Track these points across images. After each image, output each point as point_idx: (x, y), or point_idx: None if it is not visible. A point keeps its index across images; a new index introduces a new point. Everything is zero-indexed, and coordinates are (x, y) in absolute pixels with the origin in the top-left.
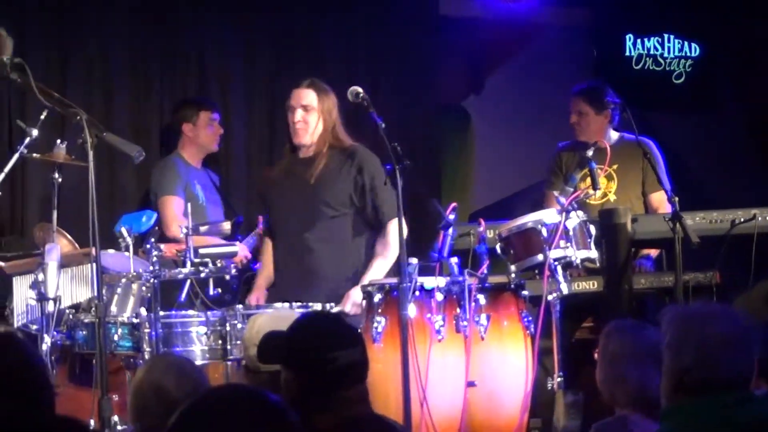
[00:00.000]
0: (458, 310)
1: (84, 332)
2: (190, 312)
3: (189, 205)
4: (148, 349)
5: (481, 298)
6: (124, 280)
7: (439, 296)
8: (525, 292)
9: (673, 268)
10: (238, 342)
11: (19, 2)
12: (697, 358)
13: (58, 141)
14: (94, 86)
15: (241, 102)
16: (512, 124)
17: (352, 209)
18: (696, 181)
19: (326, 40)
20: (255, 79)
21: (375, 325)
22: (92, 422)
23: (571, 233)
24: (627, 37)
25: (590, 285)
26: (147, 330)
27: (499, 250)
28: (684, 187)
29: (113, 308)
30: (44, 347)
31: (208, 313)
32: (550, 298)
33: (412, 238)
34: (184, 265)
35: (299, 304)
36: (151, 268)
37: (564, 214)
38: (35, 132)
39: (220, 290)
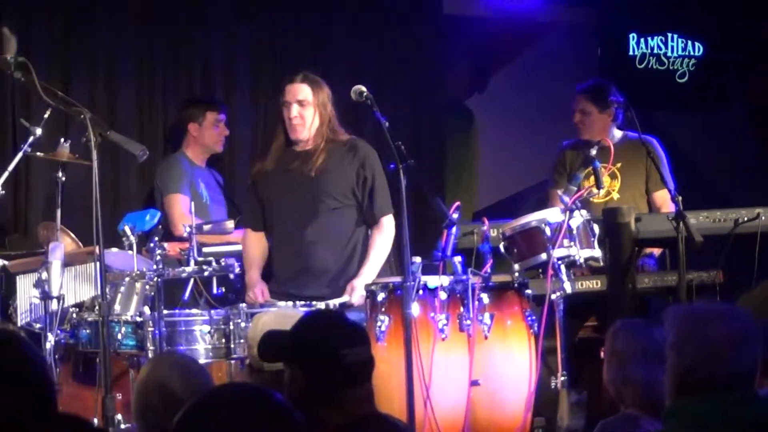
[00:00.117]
0: (462, 309)
1: (87, 331)
2: (194, 311)
3: (193, 204)
4: (151, 348)
5: (485, 297)
6: (127, 279)
7: (443, 295)
8: (528, 291)
9: (676, 267)
10: (242, 341)
11: (24, 1)
12: (700, 357)
13: (62, 140)
14: (98, 85)
15: (246, 101)
16: (516, 123)
17: (353, 201)
18: (699, 180)
19: (331, 40)
20: (260, 79)
21: (378, 324)
22: (96, 421)
23: (574, 232)
24: (631, 36)
25: (594, 284)
26: (150, 329)
27: (502, 249)
28: (687, 185)
29: (117, 307)
30: (48, 346)
31: (212, 311)
32: (553, 297)
33: (416, 236)
34: (187, 264)
35: (303, 303)
36: (155, 266)
37: (568, 213)
38: (39, 131)
39: (223, 289)
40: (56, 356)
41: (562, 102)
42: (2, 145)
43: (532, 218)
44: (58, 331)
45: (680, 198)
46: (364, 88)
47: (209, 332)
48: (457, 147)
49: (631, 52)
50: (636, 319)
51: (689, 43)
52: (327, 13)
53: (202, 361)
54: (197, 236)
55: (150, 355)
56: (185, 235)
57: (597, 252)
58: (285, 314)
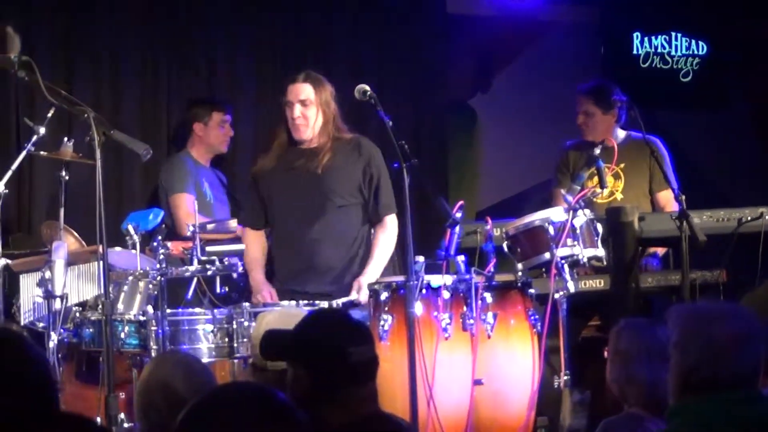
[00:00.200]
0: (465, 308)
1: (91, 330)
2: (197, 310)
3: (197, 203)
4: (154, 347)
5: (488, 297)
6: (131, 278)
7: (446, 294)
8: (532, 291)
9: (679, 267)
10: (245, 340)
11: (27, 0)
12: (703, 356)
13: (65, 139)
14: (101, 84)
15: (248, 101)
16: (519, 123)
17: (360, 199)
18: (703, 180)
19: (333, 40)
20: (263, 78)
21: (382, 323)
22: (99, 420)
23: (578, 231)
24: (634, 35)
25: (597, 283)
26: (154, 328)
27: (506, 249)
28: (691, 185)
29: (120, 306)
30: (51, 345)
31: (215, 310)
32: (557, 296)
33: (419, 235)
34: (191, 263)
35: (306, 302)
36: (158, 265)
37: (571, 212)
38: (42, 130)
39: (227, 288)
40: (59, 355)
41: (565, 101)
42: (6, 144)
43: (536, 217)
44: (61, 330)
45: (684, 197)
46: (367, 87)
47: (212, 331)
48: (460, 146)
49: (634, 51)
50: (639, 318)
51: (693, 42)
52: (329, 12)
53: (205, 360)
54: (201, 235)
55: (153, 354)
56: (190, 234)
57: (600, 251)
58: (289, 313)
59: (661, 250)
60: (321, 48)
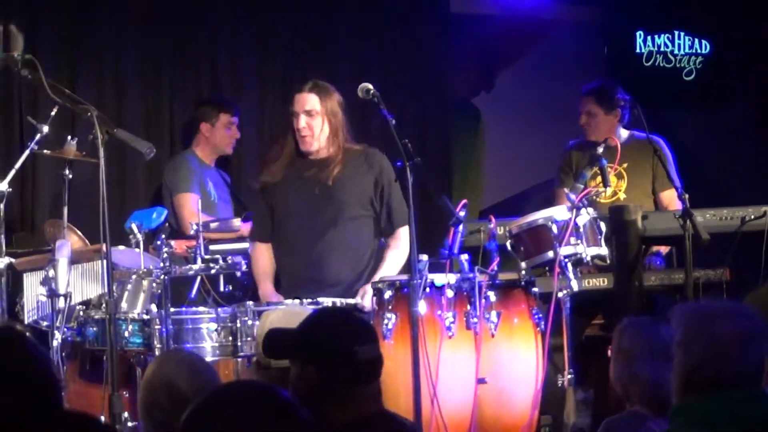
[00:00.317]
0: (469, 307)
1: (94, 329)
2: (201, 308)
3: (201, 202)
4: (158, 346)
5: (492, 295)
6: (134, 277)
7: (450, 293)
8: (535, 289)
9: (683, 266)
10: (249, 339)
11: None
12: (707, 355)
13: (69, 137)
14: (105, 83)
15: (253, 100)
16: (523, 122)
17: (371, 211)
18: (706, 179)
19: (338, 39)
20: (267, 77)
21: (385, 321)
22: (102, 419)
23: (581, 230)
24: (637, 33)
25: (600, 282)
26: (157, 326)
27: (509, 247)
28: (694, 184)
29: (124, 305)
30: (54, 344)
31: (219, 309)
32: (560, 295)
33: (423, 234)
34: (194, 262)
35: (310, 300)
36: (162, 264)
37: (575, 211)
38: (46, 128)
39: (230, 287)
40: (63, 354)
41: (569, 100)
42: (9, 142)
43: (539, 216)
44: (65, 329)
45: (687, 196)
46: (370, 86)
47: (216, 330)
48: (464, 145)
49: (637, 50)
50: (642, 317)
51: (696, 41)
52: (331, 11)
53: (208, 359)
54: (204, 233)
55: (157, 352)
56: (193, 233)
57: (604, 250)
58: (293, 312)
59: (664, 249)
60: (324, 47)
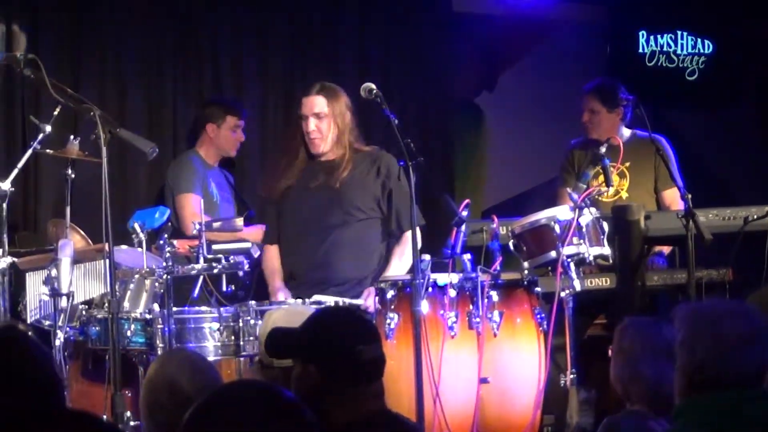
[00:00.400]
0: (471, 306)
1: (97, 328)
2: (203, 308)
3: (203, 201)
4: (160, 345)
5: (494, 295)
6: (137, 276)
7: (452, 293)
8: (538, 289)
9: (685, 265)
10: (251, 338)
11: None
12: (710, 355)
13: (71, 137)
14: (107, 82)
15: (255, 99)
16: (525, 121)
17: (378, 213)
18: (709, 178)
19: (339, 38)
20: (270, 77)
21: (388, 321)
22: (105, 418)
23: (584, 230)
24: (640, 33)
25: (603, 282)
26: (160, 326)
27: (512, 247)
28: (697, 184)
29: (126, 304)
30: (57, 343)
31: (221, 309)
32: (562, 294)
33: (425, 234)
34: (197, 261)
35: (312, 300)
36: (164, 263)
37: (577, 210)
38: (48, 128)
39: (233, 286)
40: (65, 353)
41: (572, 100)
42: (12, 142)
43: (542, 216)
44: (68, 329)
45: (690, 196)
46: (373, 86)
47: (218, 329)
48: (466, 145)
49: (640, 50)
50: (643, 316)
51: (699, 40)
52: (335, 11)
53: (211, 358)
54: (206, 234)
55: (159, 352)
56: (195, 233)
57: (606, 250)
58: (295, 311)
59: (667, 249)
60: (325, 47)
